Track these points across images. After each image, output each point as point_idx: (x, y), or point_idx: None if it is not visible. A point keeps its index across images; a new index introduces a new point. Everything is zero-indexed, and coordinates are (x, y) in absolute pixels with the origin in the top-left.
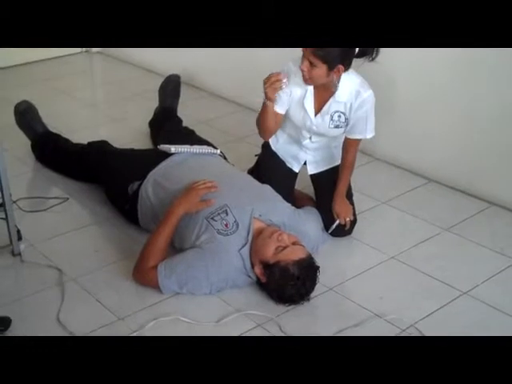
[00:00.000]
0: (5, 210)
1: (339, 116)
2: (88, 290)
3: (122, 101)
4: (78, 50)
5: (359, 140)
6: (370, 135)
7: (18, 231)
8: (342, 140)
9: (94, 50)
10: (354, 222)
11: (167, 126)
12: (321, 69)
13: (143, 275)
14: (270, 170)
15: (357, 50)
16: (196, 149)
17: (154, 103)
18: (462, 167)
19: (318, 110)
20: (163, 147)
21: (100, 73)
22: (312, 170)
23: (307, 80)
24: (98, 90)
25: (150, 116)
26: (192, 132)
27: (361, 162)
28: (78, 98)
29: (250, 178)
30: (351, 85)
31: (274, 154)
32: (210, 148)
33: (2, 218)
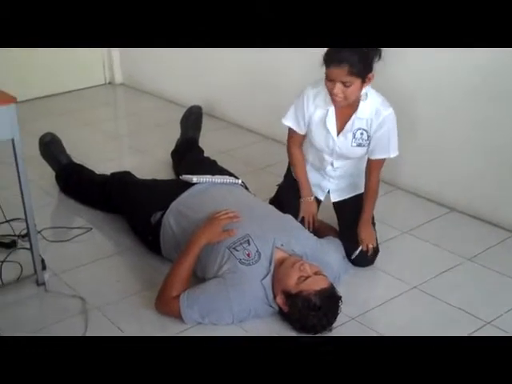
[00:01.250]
0: (29, 240)
1: (362, 134)
2: (110, 320)
3: (144, 132)
4: (102, 81)
5: (382, 161)
6: (393, 154)
7: (43, 261)
8: (364, 166)
9: (117, 81)
10: (376, 252)
11: (189, 156)
12: (356, 85)
13: (166, 305)
14: (292, 198)
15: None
16: (217, 179)
17: (176, 133)
18: (484, 196)
19: (340, 129)
20: (185, 177)
21: (123, 104)
22: (335, 197)
23: (341, 101)
24: (121, 122)
25: (172, 146)
26: (214, 162)
27: (382, 191)
28: (101, 130)
29: (272, 208)
30: (372, 102)
31: (296, 183)
32: (232, 178)
33: (26, 248)
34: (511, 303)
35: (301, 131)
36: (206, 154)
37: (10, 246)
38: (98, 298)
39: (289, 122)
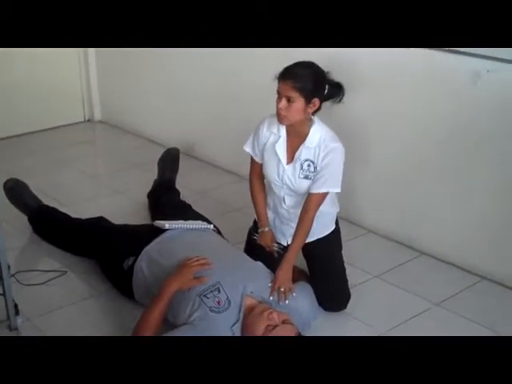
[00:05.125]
0: (3, 286)
1: (309, 165)
2: None
3: (122, 171)
4: (81, 119)
5: (322, 196)
6: (334, 189)
7: (16, 306)
8: (323, 210)
9: (97, 119)
10: (348, 297)
11: (165, 198)
12: (298, 103)
13: None
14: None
15: (326, 90)
16: (190, 224)
17: (154, 174)
18: (454, 241)
19: (290, 160)
20: (158, 223)
21: (101, 142)
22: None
23: (284, 118)
24: (100, 160)
25: (149, 187)
26: (189, 206)
27: (354, 234)
28: (79, 169)
29: (243, 255)
30: (322, 133)
31: None
32: (204, 223)
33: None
34: None
35: (257, 158)
36: (182, 195)
37: None
38: None
39: (247, 147)
